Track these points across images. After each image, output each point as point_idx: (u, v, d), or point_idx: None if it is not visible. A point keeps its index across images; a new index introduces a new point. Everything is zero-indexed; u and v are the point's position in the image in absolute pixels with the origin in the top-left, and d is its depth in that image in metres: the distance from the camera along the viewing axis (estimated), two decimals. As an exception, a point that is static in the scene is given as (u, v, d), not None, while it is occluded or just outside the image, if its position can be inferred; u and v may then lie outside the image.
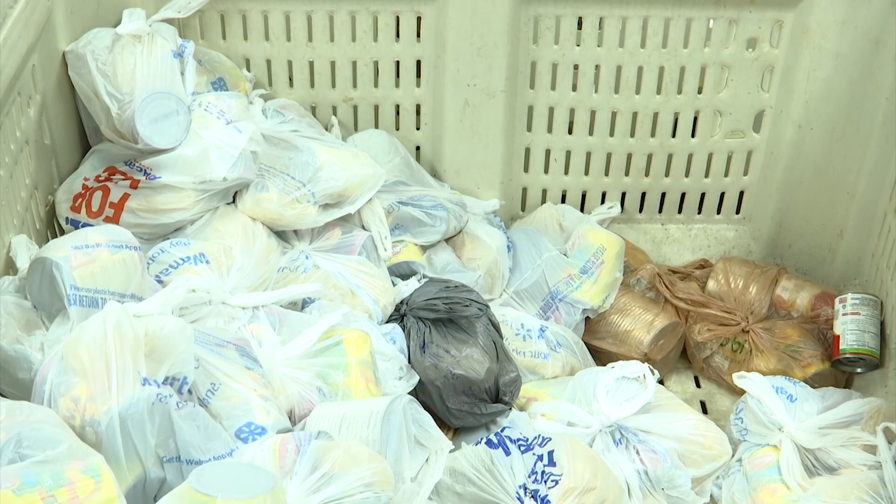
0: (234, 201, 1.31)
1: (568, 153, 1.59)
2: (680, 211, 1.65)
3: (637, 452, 1.22)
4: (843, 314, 1.40)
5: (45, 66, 1.26)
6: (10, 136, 1.17)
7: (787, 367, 1.42)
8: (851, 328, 1.39)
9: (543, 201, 1.62)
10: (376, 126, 1.54)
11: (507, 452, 1.11)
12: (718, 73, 1.52)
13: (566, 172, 1.60)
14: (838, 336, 1.40)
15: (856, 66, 1.46)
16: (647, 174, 1.61)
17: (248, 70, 1.47)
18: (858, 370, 1.42)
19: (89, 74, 1.27)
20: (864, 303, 1.40)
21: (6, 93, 1.15)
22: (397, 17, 1.46)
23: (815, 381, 1.39)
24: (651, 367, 1.27)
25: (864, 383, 1.42)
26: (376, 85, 1.51)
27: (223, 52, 1.45)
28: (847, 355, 1.40)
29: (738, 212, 1.65)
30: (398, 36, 1.48)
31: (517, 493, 1.08)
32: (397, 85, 1.52)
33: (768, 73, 1.52)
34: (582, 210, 1.61)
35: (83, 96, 1.30)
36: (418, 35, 1.48)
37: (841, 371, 1.43)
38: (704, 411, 1.47)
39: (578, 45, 1.50)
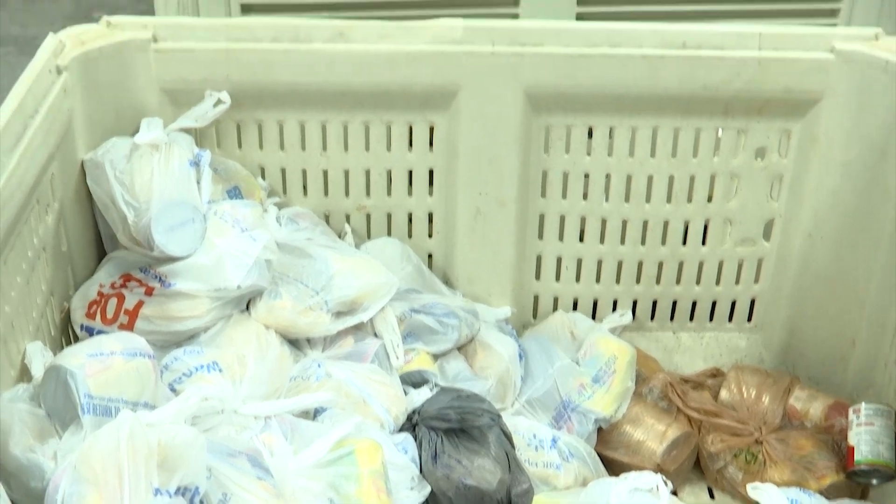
0: (247, 309, 1.32)
1: (579, 261, 1.59)
2: (691, 319, 1.65)
3: (651, 564, 1.20)
4: (857, 425, 1.39)
5: (63, 175, 1.29)
6: (28, 243, 1.19)
7: (802, 478, 1.41)
8: (866, 439, 1.38)
9: (555, 309, 1.62)
10: (389, 234, 1.55)
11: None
12: (728, 181, 1.54)
13: (577, 280, 1.61)
14: (853, 447, 1.39)
15: (863, 175, 1.47)
16: (658, 282, 1.61)
17: (263, 178, 1.49)
18: (874, 482, 1.40)
19: (107, 183, 1.29)
20: (879, 413, 1.40)
21: (25, 201, 1.16)
22: (410, 127, 1.48)
23: (830, 493, 1.38)
24: (664, 477, 1.26)
25: (880, 495, 1.41)
26: (389, 193, 1.53)
27: (239, 160, 1.47)
28: (862, 467, 1.38)
29: (749, 320, 1.65)
30: (411, 145, 1.50)
31: None
32: (410, 193, 1.53)
33: (777, 182, 1.54)
34: (593, 318, 1.62)
35: (100, 204, 1.32)
36: (431, 144, 1.50)
37: (856, 482, 1.42)
38: (719, 522, 1.45)
39: (589, 155, 1.52)
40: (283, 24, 1.41)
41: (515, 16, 1.59)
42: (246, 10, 1.53)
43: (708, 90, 1.45)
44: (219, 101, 1.39)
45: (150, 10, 1.55)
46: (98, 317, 1.26)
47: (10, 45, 3.31)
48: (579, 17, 1.60)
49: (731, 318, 1.65)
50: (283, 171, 1.50)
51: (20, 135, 1.18)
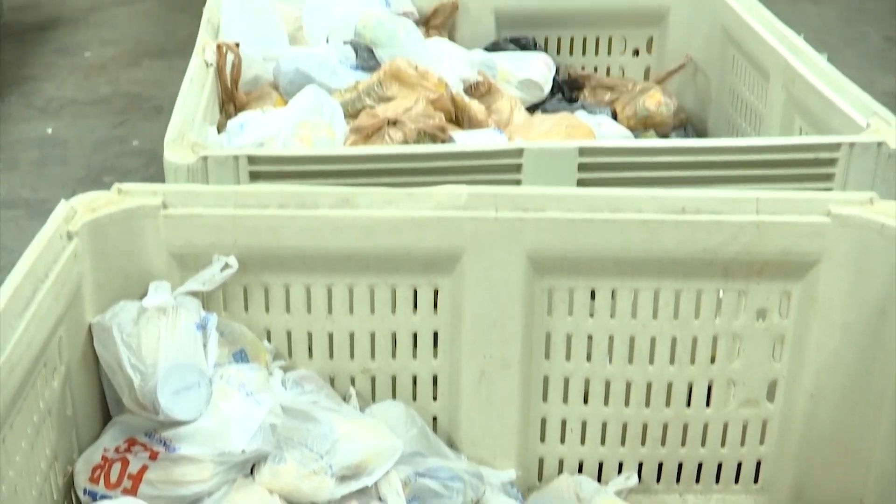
0: (252, 473, 1.31)
1: (584, 423, 1.59)
2: (697, 481, 1.64)
3: None
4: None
5: (71, 338, 1.30)
6: (34, 407, 1.19)
7: None
8: None
9: (560, 472, 1.61)
10: (394, 396, 1.55)
11: None
12: (730, 343, 1.55)
13: (582, 443, 1.60)
14: None
15: (864, 336, 1.48)
16: (663, 444, 1.61)
17: (269, 341, 1.50)
18: None
19: (114, 346, 1.30)
20: (890, 578, 1.38)
21: (33, 365, 1.17)
22: (415, 290, 1.50)
23: None
24: None
25: None
26: (394, 356, 1.54)
27: (245, 323, 1.49)
28: None
29: (755, 481, 1.64)
30: (416, 308, 1.51)
31: None
32: (415, 356, 1.54)
33: (779, 343, 1.55)
34: (599, 480, 1.60)
35: (107, 367, 1.33)
36: (435, 307, 1.51)
37: None
38: None
39: (592, 317, 1.53)
40: (289, 191, 1.44)
41: (518, 182, 1.62)
42: (254, 177, 1.57)
43: (707, 253, 1.47)
44: (226, 266, 1.42)
45: (159, 173, 1.59)
46: (102, 481, 1.26)
47: (21, 209, 3.37)
48: (580, 182, 1.63)
49: (737, 480, 1.64)
50: (289, 334, 1.52)
51: (30, 299, 1.20)
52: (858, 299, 1.47)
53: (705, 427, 1.59)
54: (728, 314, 1.53)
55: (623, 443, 1.60)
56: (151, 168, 3.66)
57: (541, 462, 1.62)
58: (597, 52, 2.35)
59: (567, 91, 2.27)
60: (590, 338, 1.54)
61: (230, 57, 1.88)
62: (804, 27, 4.62)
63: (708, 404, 1.58)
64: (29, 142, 3.90)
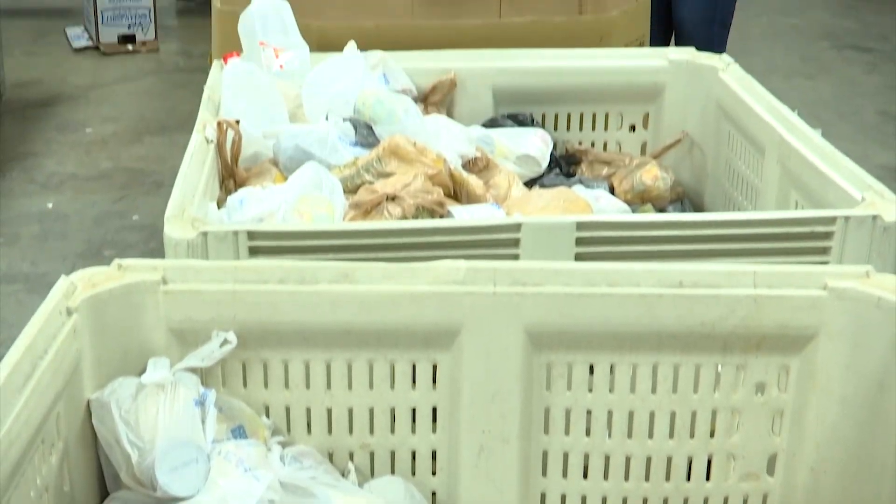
0: (249, 551, 1.30)
1: (584, 498, 1.58)
2: (698, 557, 1.62)
3: None
4: None
5: (69, 414, 1.30)
6: (32, 483, 1.19)
7: None
8: None
9: (560, 547, 1.60)
10: (392, 472, 1.55)
11: None
12: (729, 417, 1.54)
13: (582, 517, 1.60)
14: None
15: (863, 409, 1.48)
16: (663, 519, 1.60)
17: (268, 417, 1.50)
18: None
19: (112, 422, 1.30)
20: None
21: (31, 441, 1.17)
22: (414, 366, 1.50)
23: None
24: None
25: None
26: (393, 431, 1.53)
27: (244, 398, 1.48)
28: None
29: (758, 557, 1.63)
30: (414, 383, 1.51)
31: None
32: (413, 431, 1.54)
33: (778, 416, 1.55)
34: (599, 557, 1.59)
35: (105, 443, 1.33)
36: (434, 382, 1.51)
37: None
38: None
39: (591, 391, 1.53)
40: (289, 266, 1.45)
41: (516, 256, 1.63)
42: (254, 252, 1.57)
43: (706, 327, 1.47)
44: (225, 342, 1.42)
45: (160, 247, 1.60)
46: (98, 559, 1.25)
47: (21, 283, 3.38)
48: (578, 256, 1.64)
49: (739, 556, 1.63)
50: (288, 410, 1.51)
51: (29, 375, 1.20)
52: (857, 373, 1.48)
53: (706, 501, 1.58)
54: (727, 388, 1.53)
55: (623, 518, 1.60)
56: (152, 242, 3.68)
57: (541, 537, 1.61)
58: (594, 128, 2.37)
59: (564, 166, 2.29)
60: (589, 412, 1.54)
61: (230, 134, 1.90)
62: (799, 102, 4.69)
63: (708, 478, 1.58)
64: (30, 216, 3.92)
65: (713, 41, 3.69)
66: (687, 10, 3.69)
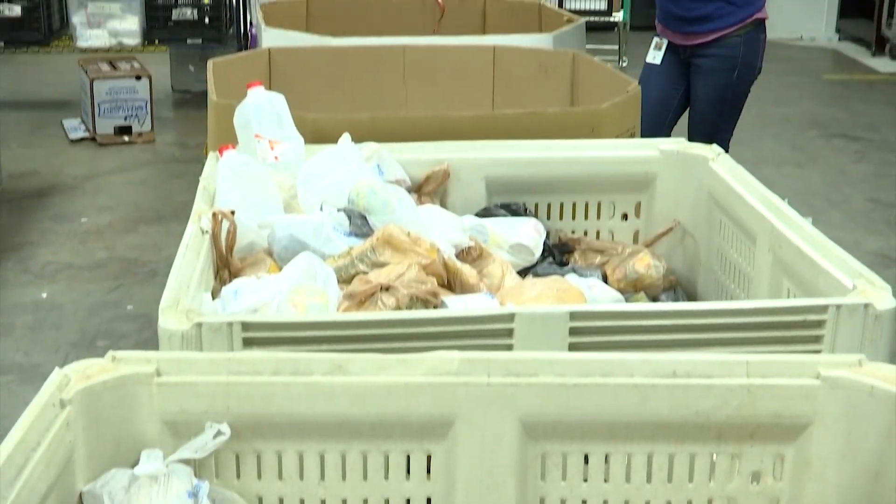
0: None
1: (580, 590, 1.57)
2: None
3: None
4: None
5: (61, 508, 1.29)
6: (22, 580, 1.18)
7: None
8: None
9: None
10: (387, 564, 1.53)
11: None
12: (725, 507, 1.54)
13: None
14: None
15: (859, 497, 1.48)
16: None
17: (261, 509, 1.49)
18: None
19: (104, 516, 1.29)
20: None
21: (22, 536, 1.16)
22: (408, 456, 1.50)
23: None
24: None
25: None
26: (387, 522, 1.52)
27: (237, 490, 1.47)
28: None
29: None
30: (409, 474, 1.50)
31: None
32: (408, 522, 1.53)
33: (774, 505, 1.54)
34: None
35: (96, 537, 1.32)
36: (428, 473, 1.50)
37: None
38: None
39: (585, 481, 1.52)
40: (282, 357, 1.45)
41: (510, 346, 1.64)
42: (248, 343, 1.58)
43: (700, 417, 1.47)
44: (218, 433, 1.41)
45: (154, 337, 1.60)
46: None
47: (13, 374, 3.36)
48: (572, 346, 1.65)
49: None
50: (281, 501, 1.50)
51: (21, 467, 1.19)
52: (852, 461, 1.47)
53: (704, 593, 1.57)
54: (722, 477, 1.52)
55: None
56: (145, 332, 3.68)
57: None
58: (586, 217, 2.39)
59: (557, 255, 2.30)
60: (584, 502, 1.53)
61: (225, 224, 1.91)
62: (790, 190, 4.73)
63: (706, 570, 1.56)
64: (24, 306, 3.92)
65: (722, 120, 3.91)
66: (702, 88, 3.88)
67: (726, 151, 3.90)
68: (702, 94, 3.91)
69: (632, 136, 2.66)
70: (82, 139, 5.85)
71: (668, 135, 3.43)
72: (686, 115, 4.01)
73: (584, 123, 2.56)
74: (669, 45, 3.93)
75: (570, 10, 4.61)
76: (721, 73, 3.84)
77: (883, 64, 7.90)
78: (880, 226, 4.65)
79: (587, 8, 6.65)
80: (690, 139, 3.96)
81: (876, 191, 5.15)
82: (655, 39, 4.00)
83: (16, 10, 6.17)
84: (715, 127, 3.90)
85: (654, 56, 3.96)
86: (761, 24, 3.87)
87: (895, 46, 7.85)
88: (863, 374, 1.46)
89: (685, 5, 3.83)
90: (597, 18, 4.82)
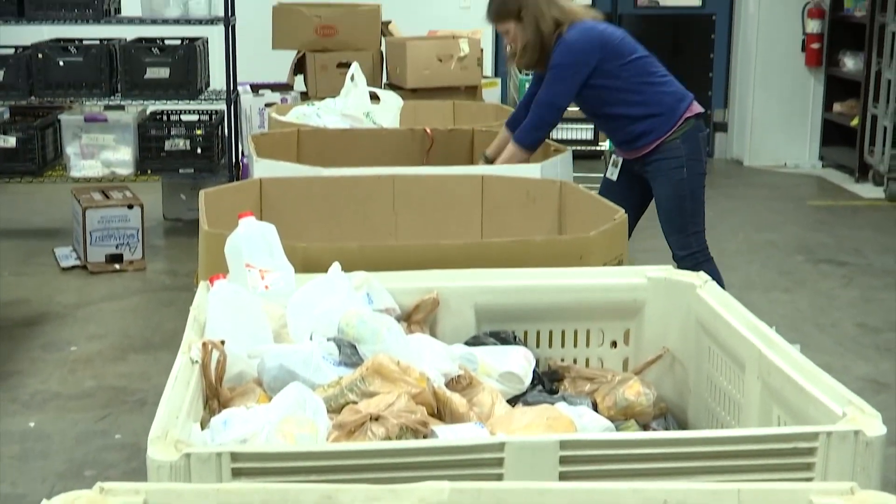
0: None
1: None
2: None
3: None
4: None
5: None
6: None
7: None
8: None
9: None
10: None
11: None
12: None
13: None
14: None
15: None
16: None
17: None
18: None
19: None
20: None
21: None
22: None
23: None
24: None
25: None
26: None
27: None
28: None
29: None
30: None
31: None
32: None
33: None
34: None
35: None
36: None
37: None
38: None
39: None
40: (272, 489, 1.44)
41: (500, 476, 1.63)
42: (237, 474, 1.57)
43: (692, 547, 1.46)
44: (206, 567, 1.40)
45: (142, 466, 1.59)
46: None
47: (-2, 505, 3.32)
48: (562, 476, 1.63)
49: None
50: None
51: None
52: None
53: None
54: None
55: None
56: (133, 462, 3.64)
57: None
58: (575, 345, 2.40)
59: (547, 383, 2.30)
60: None
61: (215, 354, 1.91)
62: (778, 315, 4.75)
63: None
64: (10, 436, 3.89)
65: (687, 215, 4.19)
66: (660, 190, 4.19)
67: (702, 244, 4.19)
68: (661, 195, 4.20)
69: (619, 263, 2.68)
70: (73, 267, 5.87)
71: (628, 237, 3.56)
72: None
73: (572, 251, 2.58)
74: (623, 161, 4.29)
75: (557, 140, 4.69)
76: (671, 173, 4.13)
77: (866, 190, 8.02)
78: (869, 351, 4.66)
79: (574, 137, 6.78)
80: (667, 239, 4.24)
81: (864, 315, 5.18)
82: (613, 157, 4.38)
83: (11, 142, 6.25)
84: (683, 222, 4.19)
85: (612, 172, 4.33)
86: (698, 119, 4.17)
87: (878, 173, 7.98)
88: (855, 501, 1.45)
89: (622, 131, 4.18)
90: (583, 147, 4.92)
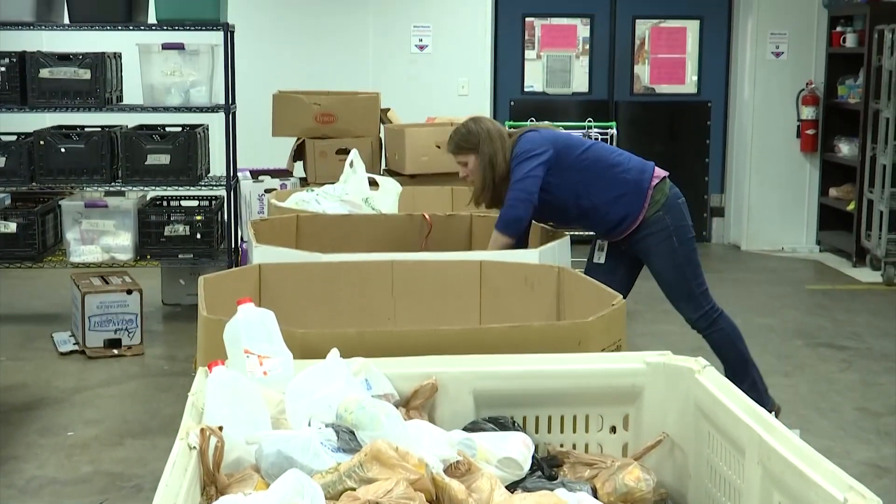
0: None
1: None
2: None
3: None
4: None
5: None
6: None
7: None
8: None
9: None
10: None
11: None
12: None
13: None
14: None
15: None
16: None
17: None
18: None
19: None
20: None
21: None
22: None
23: None
24: None
25: None
26: None
27: None
28: None
29: None
30: None
31: None
32: None
33: None
34: None
35: None
36: None
37: None
38: None
39: None
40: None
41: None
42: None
43: None
44: None
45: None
46: None
47: None
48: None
49: None
50: None
51: None
52: None
53: None
54: None
55: None
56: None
57: None
58: (574, 430, 2.39)
59: (546, 468, 2.29)
60: None
61: (213, 440, 1.91)
62: (778, 399, 4.73)
63: None
64: (5, 524, 3.85)
65: (688, 279, 4.31)
66: (655, 263, 4.31)
67: (710, 301, 4.31)
68: (658, 269, 4.32)
69: (618, 348, 2.68)
70: (72, 352, 5.87)
71: None
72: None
73: (571, 337, 2.59)
74: (609, 243, 4.40)
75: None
76: (662, 246, 4.25)
77: (864, 274, 8.04)
78: (870, 435, 4.63)
79: (572, 222, 6.81)
80: (676, 306, 4.32)
81: (864, 400, 5.16)
82: (598, 242, 4.48)
83: (11, 227, 6.28)
84: (688, 287, 4.30)
85: (599, 257, 4.44)
86: (664, 182, 4.27)
87: (875, 257, 8.00)
88: None
89: (601, 222, 4.29)
90: (581, 233, 4.96)
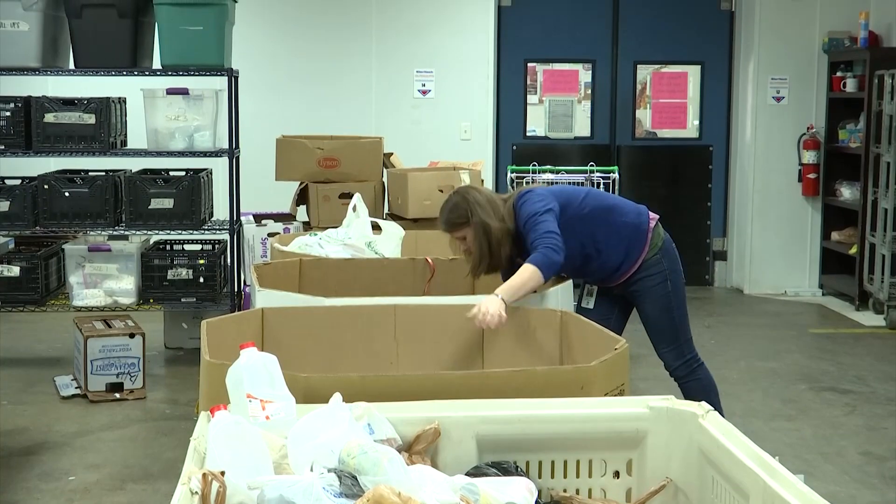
0: None
1: None
2: None
3: None
4: None
5: None
6: None
7: None
8: None
9: None
10: None
11: None
12: None
13: None
14: None
15: None
16: None
17: None
18: None
19: None
20: None
21: None
22: None
23: None
24: None
25: None
26: None
27: None
28: None
29: None
30: None
31: None
32: None
33: None
34: None
35: None
36: None
37: None
38: None
39: None
40: None
41: None
42: None
43: None
44: None
45: None
46: None
47: None
48: None
49: None
50: None
51: None
52: None
53: None
54: None
55: None
56: None
57: None
58: (578, 475, 2.39)
59: (550, 514, 2.28)
60: None
61: (215, 485, 1.90)
62: (782, 443, 4.71)
63: None
64: (5, 571, 3.83)
65: (676, 325, 4.31)
66: (648, 307, 4.30)
67: (692, 351, 4.29)
68: (649, 312, 4.31)
69: (621, 393, 2.68)
70: (74, 396, 5.85)
71: None
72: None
73: (574, 381, 2.59)
74: (599, 288, 4.40)
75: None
76: (656, 289, 4.26)
77: (867, 318, 8.03)
78: (875, 480, 4.61)
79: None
80: (660, 352, 4.30)
81: (869, 444, 5.14)
82: (587, 287, 4.45)
83: (14, 271, 6.29)
84: (675, 333, 4.30)
85: (588, 301, 4.43)
86: (658, 228, 4.28)
87: (878, 301, 8.00)
88: None
89: (602, 268, 4.26)
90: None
